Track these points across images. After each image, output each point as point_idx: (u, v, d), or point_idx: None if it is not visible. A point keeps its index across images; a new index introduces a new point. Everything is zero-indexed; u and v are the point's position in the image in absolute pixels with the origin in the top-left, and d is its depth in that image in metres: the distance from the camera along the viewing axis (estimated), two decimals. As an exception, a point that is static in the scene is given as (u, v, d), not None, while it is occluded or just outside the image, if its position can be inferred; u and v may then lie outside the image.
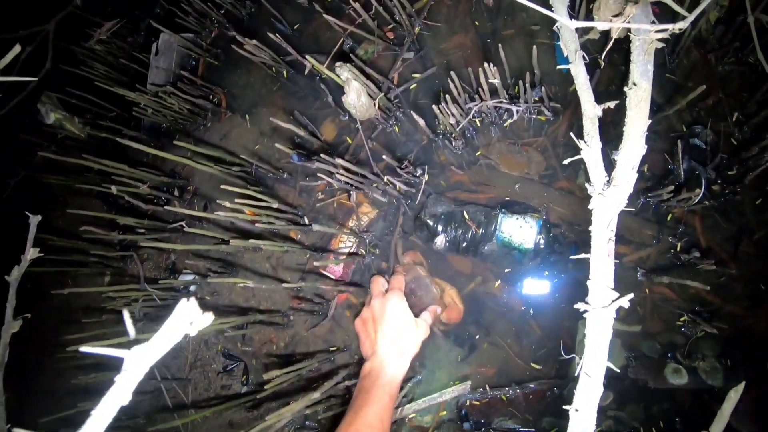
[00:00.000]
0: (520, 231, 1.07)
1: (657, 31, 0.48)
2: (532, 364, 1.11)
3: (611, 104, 0.68)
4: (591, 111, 0.67)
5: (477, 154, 1.20)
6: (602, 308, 0.61)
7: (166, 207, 1.15)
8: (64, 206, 1.74)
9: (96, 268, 1.58)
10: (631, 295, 0.63)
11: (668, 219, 1.08)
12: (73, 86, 1.60)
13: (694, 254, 1.04)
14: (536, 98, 1.09)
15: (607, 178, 0.65)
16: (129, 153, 1.58)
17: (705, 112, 1.10)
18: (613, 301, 0.62)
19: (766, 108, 1.01)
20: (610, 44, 0.61)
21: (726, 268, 1.04)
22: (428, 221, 1.13)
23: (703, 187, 1.01)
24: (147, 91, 1.42)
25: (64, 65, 1.62)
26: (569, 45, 0.70)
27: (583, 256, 0.64)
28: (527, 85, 1.02)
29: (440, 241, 1.12)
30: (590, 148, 0.65)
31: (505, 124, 1.17)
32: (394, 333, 0.96)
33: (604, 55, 0.69)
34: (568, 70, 1.19)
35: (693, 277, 1.00)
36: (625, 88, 0.62)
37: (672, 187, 0.98)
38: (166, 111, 1.45)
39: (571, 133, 0.69)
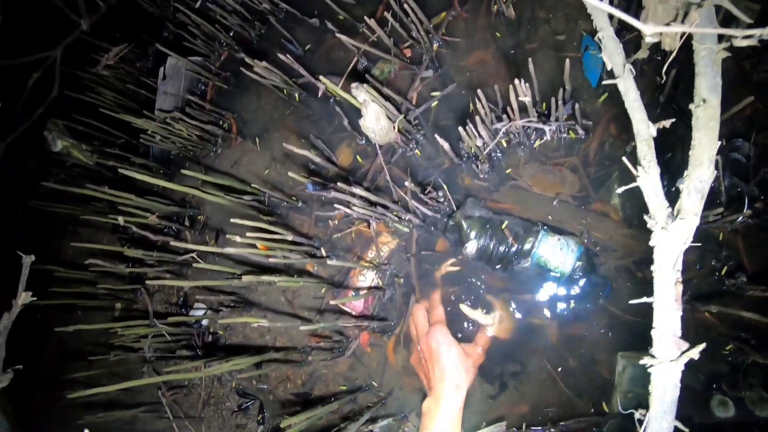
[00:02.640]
0: (559, 253, 0.99)
1: (744, 37, 0.40)
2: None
3: (667, 123, 0.60)
4: (645, 131, 0.59)
5: (506, 171, 1.12)
6: (670, 362, 0.53)
7: (172, 242, 1.09)
8: (74, 236, 1.69)
9: (106, 300, 1.52)
10: (704, 345, 0.54)
11: (720, 238, 1.00)
12: (81, 113, 1.57)
13: (741, 278, 0.95)
14: (567, 115, 1.02)
15: (670, 210, 0.58)
16: (138, 182, 1.54)
17: (742, 123, 1.02)
18: (683, 353, 0.54)
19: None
20: (671, 57, 0.54)
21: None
22: (462, 222, 1.04)
23: (746, 204, 0.94)
24: (155, 117, 1.37)
25: (71, 91, 1.59)
26: (614, 58, 0.63)
27: (644, 300, 0.56)
28: (559, 101, 0.95)
29: (471, 247, 1.03)
30: (648, 175, 0.58)
31: (535, 145, 1.10)
32: (444, 368, 0.96)
33: (665, 68, 0.61)
34: (599, 84, 1.15)
35: (738, 301, 0.92)
36: (691, 106, 0.54)
37: (722, 209, 0.90)
38: (175, 138, 1.40)
39: (624, 158, 0.61)
